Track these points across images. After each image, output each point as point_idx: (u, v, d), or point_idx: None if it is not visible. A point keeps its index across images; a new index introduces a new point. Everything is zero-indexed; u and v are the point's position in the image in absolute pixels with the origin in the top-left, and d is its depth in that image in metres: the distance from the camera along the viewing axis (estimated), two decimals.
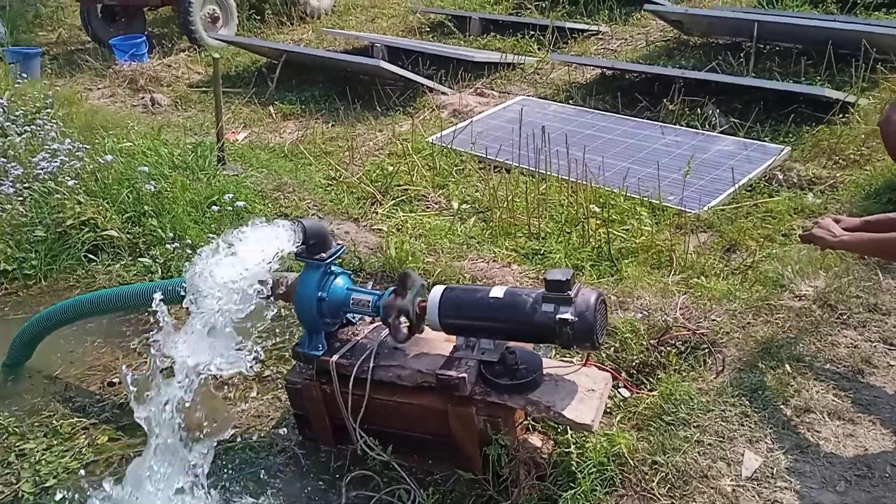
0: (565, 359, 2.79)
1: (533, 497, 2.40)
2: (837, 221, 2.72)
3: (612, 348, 2.96)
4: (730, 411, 2.51)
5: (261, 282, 2.42)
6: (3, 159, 4.55)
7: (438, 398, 2.52)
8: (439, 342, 2.66)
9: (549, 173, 4.54)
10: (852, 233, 2.61)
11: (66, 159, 4.31)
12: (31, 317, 3.30)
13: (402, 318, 2.55)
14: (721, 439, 2.41)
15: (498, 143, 5.06)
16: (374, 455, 2.63)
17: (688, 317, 3.03)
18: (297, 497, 2.65)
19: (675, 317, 3.01)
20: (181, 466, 2.47)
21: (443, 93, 6.47)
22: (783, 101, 5.31)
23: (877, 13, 7.33)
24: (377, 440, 2.65)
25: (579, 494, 2.29)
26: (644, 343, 2.92)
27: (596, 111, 5.81)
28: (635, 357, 2.90)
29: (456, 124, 5.68)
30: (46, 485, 2.74)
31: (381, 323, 2.66)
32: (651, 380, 2.80)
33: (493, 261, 3.77)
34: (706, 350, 2.84)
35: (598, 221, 3.95)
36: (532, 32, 7.68)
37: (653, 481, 2.29)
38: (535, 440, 2.60)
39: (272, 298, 2.64)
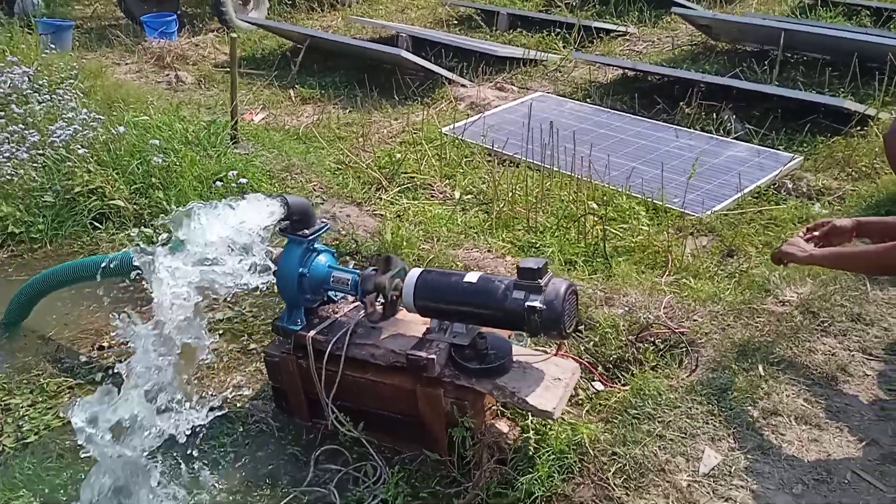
0: (540, 347, 2.80)
1: (493, 480, 2.43)
2: (825, 224, 2.71)
3: (592, 342, 2.97)
4: (696, 409, 2.52)
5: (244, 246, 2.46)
6: (21, 126, 4.66)
7: (409, 378, 2.56)
8: (416, 325, 2.70)
9: (555, 169, 4.56)
10: (823, 248, 2.60)
11: (80, 128, 4.41)
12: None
13: (378, 297, 2.59)
14: (683, 435, 2.42)
15: (509, 136, 5.08)
16: (345, 431, 2.67)
17: (671, 316, 3.03)
18: (266, 467, 2.70)
19: (658, 315, 3.02)
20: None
21: (462, 85, 6.49)
22: (803, 110, 5.26)
23: None
24: (350, 417, 2.70)
25: (536, 479, 2.31)
26: (623, 339, 2.93)
27: (612, 111, 5.80)
28: (613, 352, 2.91)
29: (473, 116, 5.71)
30: (27, 440, 2.82)
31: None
32: (626, 375, 2.81)
33: (489, 251, 3.79)
34: (683, 349, 2.84)
35: (595, 218, 3.95)
36: (559, 30, 7.66)
37: (609, 471, 2.30)
38: (503, 425, 2.63)
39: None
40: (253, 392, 3.02)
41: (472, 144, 5.18)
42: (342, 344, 2.62)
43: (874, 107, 5.18)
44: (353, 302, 2.83)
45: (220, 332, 3.33)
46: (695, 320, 2.99)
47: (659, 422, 2.47)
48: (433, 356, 2.46)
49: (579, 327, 3.04)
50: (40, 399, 3.00)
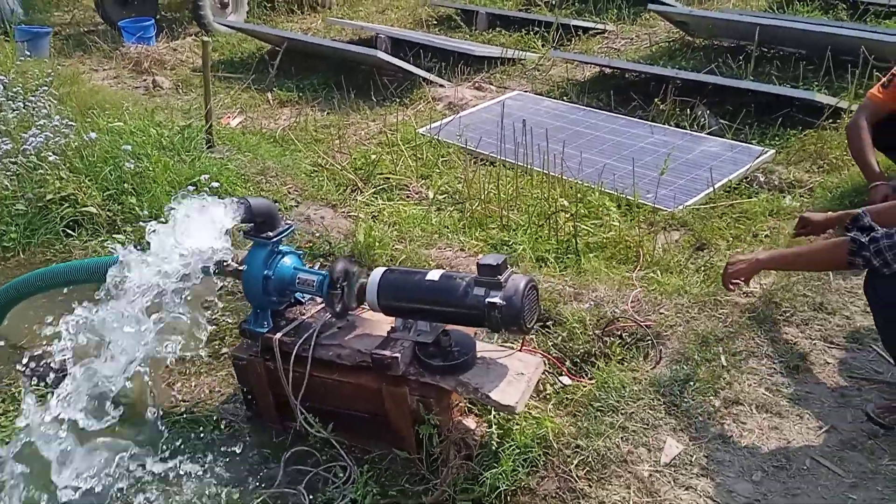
0: (507, 344, 2.82)
1: (460, 476, 2.45)
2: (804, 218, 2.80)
3: (560, 337, 2.99)
4: (658, 400, 2.55)
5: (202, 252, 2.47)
6: None
7: (374, 378, 2.58)
8: (382, 324, 2.71)
9: (528, 166, 4.58)
10: (767, 250, 2.66)
11: (51, 135, 4.40)
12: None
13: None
14: (646, 426, 2.45)
15: (485, 135, 5.10)
16: (314, 432, 2.69)
17: (638, 310, 3.06)
18: (237, 469, 2.71)
19: (625, 309, 3.04)
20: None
21: (440, 85, 6.51)
22: (777, 104, 5.30)
23: (887, 21, 7.27)
24: (319, 418, 2.71)
25: (500, 474, 2.33)
26: (590, 333, 2.95)
27: (588, 108, 5.83)
28: (581, 346, 2.93)
29: (450, 117, 5.73)
30: None
31: None
32: (593, 369, 2.83)
33: (461, 250, 3.81)
34: (649, 342, 2.86)
35: (567, 215, 3.98)
36: (538, 29, 7.70)
37: (573, 464, 2.32)
38: (470, 422, 2.64)
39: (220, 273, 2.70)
40: (225, 396, 3.03)
41: (449, 144, 5.20)
42: (309, 345, 2.64)
43: (847, 99, 5.22)
44: (321, 303, 2.84)
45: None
46: (661, 313, 3.02)
47: (622, 414, 2.50)
48: (397, 355, 2.47)
49: (547, 323, 3.07)
50: (12, 408, 3.00)
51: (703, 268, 3.53)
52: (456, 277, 2.45)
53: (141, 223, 3.97)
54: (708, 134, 5.20)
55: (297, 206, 4.37)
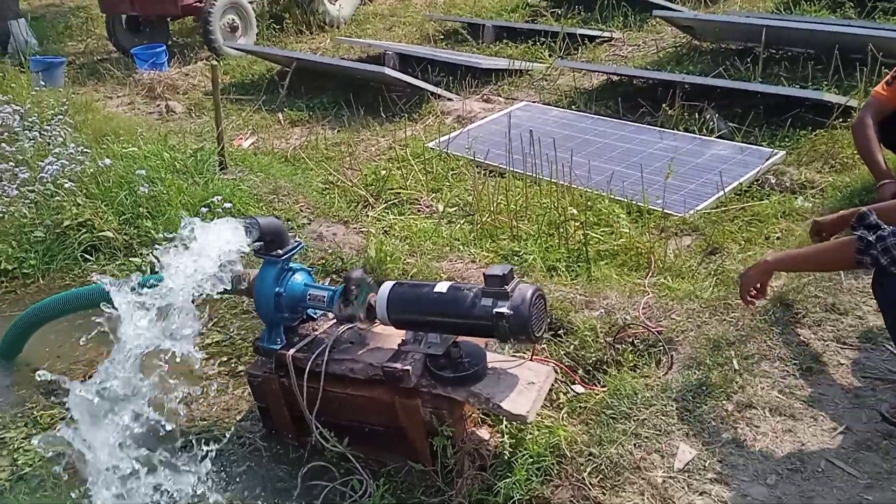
0: (518, 354, 2.84)
1: (475, 487, 2.46)
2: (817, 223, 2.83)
3: (572, 346, 3.00)
4: (671, 406, 2.55)
5: (215, 276, 2.52)
6: (12, 163, 4.74)
7: (387, 391, 2.60)
8: (394, 338, 2.74)
9: (538, 176, 4.60)
10: (775, 252, 2.66)
11: (67, 163, 4.48)
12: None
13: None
14: (658, 433, 2.45)
15: (494, 147, 5.13)
16: (330, 447, 2.71)
17: (649, 316, 3.06)
18: (254, 486, 2.74)
19: (636, 315, 3.05)
20: None
21: (448, 99, 6.55)
22: (786, 106, 5.29)
23: (895, 18, 7.24)
24: (335, 432, 2.73)
25: (514, 484, 2.34)
26: (602, 341, 2.96)
27: (596, 116, 5.84)
28: (593, 354, 2.94)
29: (459, 130, 5.76)
30: (23, 473, 2.86)
31: None
32: (606, 376, 2.84)
33: (472, 262, 3.83)
34: (661, 348, 2.87)
35: (576, 224, 3.99)
36: (544, 39, 7.73)
37: (586, 471, 2.33)
38: (484, 433, 2.66)
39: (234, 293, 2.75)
40: (241, 413, 3.06)
41: (458, 157, 5.23)
42: (322, 360, 2.67)
43: (856, 98, 5.20)
44: (333, 319, 2.87)
45: (209, 356, 3.38)
46: (672, 319, 3.02)
47: (634, 420, 2.50)
48: (409, 367, 2.50)
49: (559, 332, 3.08)
50: (34, 431, 3.05)
51: (715, 272, 3.52)
52: (463, 289, 2.47)
53: (156, 246, 4.03)
54: (717, 137, 5.20)
55: (309, 224, 4.41)
